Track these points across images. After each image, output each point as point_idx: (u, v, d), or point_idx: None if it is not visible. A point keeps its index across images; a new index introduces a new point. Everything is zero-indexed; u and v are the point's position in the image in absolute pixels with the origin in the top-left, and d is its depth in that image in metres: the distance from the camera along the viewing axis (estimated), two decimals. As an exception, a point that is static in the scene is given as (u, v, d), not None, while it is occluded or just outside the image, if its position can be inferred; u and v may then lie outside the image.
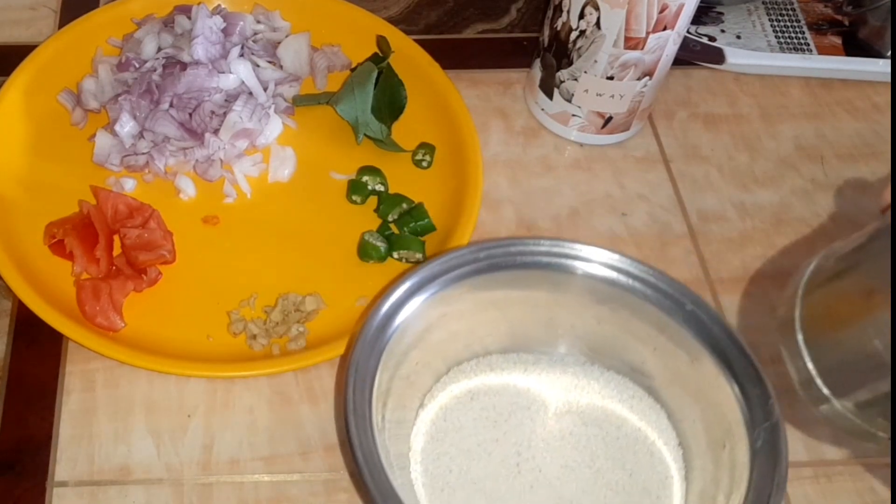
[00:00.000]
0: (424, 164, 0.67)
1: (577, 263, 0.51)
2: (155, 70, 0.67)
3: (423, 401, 0.53)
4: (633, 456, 0.52)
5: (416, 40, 0.71)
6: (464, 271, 0.50)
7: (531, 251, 0.51)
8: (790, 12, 0.79)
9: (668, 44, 0.62)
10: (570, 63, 0.65)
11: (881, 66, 0.75)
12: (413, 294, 0.49)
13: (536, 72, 0.69)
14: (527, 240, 0.51)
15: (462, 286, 0.50)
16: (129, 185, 0.64)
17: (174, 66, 0.67)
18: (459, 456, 0.51)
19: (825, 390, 0.41)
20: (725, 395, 0.48)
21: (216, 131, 0.65)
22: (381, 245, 0.61)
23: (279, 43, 0.71)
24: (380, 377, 0.47)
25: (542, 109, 0.70)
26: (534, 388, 0.54)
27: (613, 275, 0.51)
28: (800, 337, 0.41)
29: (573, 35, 0.63)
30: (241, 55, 0.68)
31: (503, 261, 0.51)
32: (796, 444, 0.56)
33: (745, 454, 0.46)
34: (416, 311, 0.49)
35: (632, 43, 0.61)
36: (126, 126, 0.65)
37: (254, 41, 0.71)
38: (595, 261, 0.51)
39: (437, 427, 0.52)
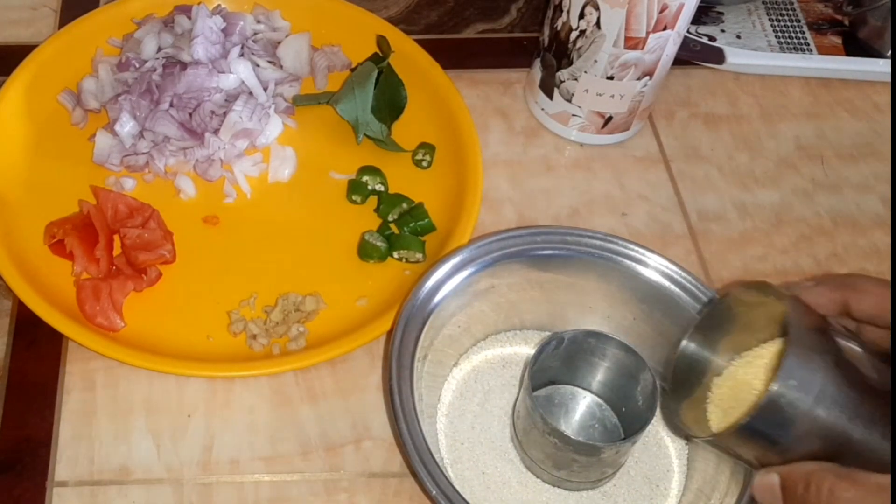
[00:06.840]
0: (424, 164, 0.67)
1: (626, 261, 0.54)
2: (155, 70, 0.67)
3: (459, 360, 0.57)
4: (641, 445, 0.54)
5: (416, 40, 0.71)
6: (520, 250, 0.54)
7: (586, 242, 0.54)
8: (790, 12, 0.79)
9: (668, 44, 0.62)
10: (570, 63, 0.65)
11: (881, 66, 0.75)
12: (468, 264, 0.53)
13: (536, 72, 0.69)
14: (583, 230, 0.55)
15: (515, 263, 0.54)
16: (129, 185, 0.64)
17: (174, 65, 0.67)
18: (483, 415, 0.55)
19: None
20: None
21: (216, 131, 0.65)
22: (381, 245, 0.61)
23: (279, 43, 0.71)
24: (425, 334, 0.51)
25: (543, 109, 0.70)
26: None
27: (657, 277, 0.53)
28: None
29: (573, 35, 0.63)
30: (241, 55, 0.68)
31: (558, 246, 0.54)
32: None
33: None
34: (467, 279, 0.53)
35: (632, 43, 0.61)
36: (126, 126, 0.65)
37: (254, 41, 0.71)
38: (643, 261, 0.54)
39: (468, 386, 0.56)
